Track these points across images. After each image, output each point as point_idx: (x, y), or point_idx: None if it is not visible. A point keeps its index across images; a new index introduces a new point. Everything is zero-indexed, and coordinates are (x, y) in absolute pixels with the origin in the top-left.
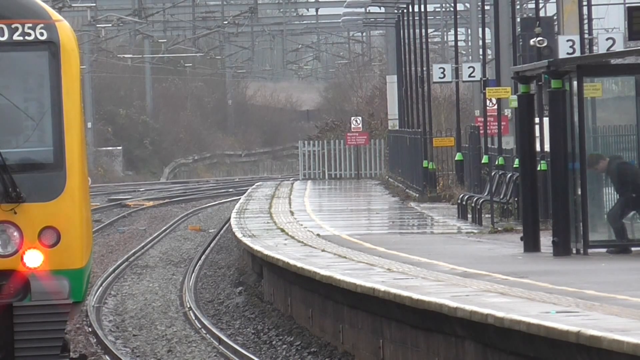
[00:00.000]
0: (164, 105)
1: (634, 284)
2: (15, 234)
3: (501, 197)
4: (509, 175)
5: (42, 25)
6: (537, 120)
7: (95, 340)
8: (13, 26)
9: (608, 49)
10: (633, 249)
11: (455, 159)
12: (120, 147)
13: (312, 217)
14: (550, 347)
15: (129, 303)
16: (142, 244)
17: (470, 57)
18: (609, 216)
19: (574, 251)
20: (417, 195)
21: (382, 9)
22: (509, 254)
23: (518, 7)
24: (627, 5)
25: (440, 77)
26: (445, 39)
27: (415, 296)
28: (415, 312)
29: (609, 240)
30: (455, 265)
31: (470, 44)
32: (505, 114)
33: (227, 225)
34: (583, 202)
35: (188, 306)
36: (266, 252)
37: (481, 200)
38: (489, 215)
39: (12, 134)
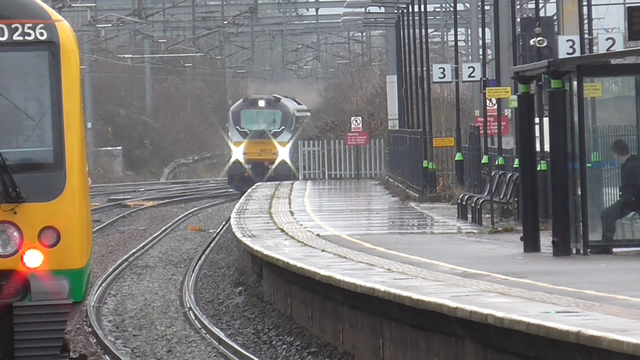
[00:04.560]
0: (164, 105)
1: (633, 284)
2: (15, 234)
3: (501, 197)
4: (509, 175)
5: (42, 25)
6: (537, 120)
7: (95, 340)
8: (13, 26)
9: (608, 49)
10: (633, 249)
11: (455, 159)
12: (120, 147)
13: (312, 217)
14: (550, 347)
15: (128, 303)
16: (142, 244)
17: (470, 57)
18: (606, 214)
19: (574, 251)
20: (417, 195)
21: (382, 9)
22: (508, 254)
23: (518, 7)
24: (627, 5)
25: (440, 77)
26: (445, 39)
27: (415, 296)
28: (415, 312)
29: (609, 240)
30: (455, 265)
31: (470, 44)
32: (505, 114)
33: (227, 225)
34: (583, 202)
35: (188, 306)
36: (266, 252)
37: (481, 201)
38: (489, 216)
39: (12, 134)
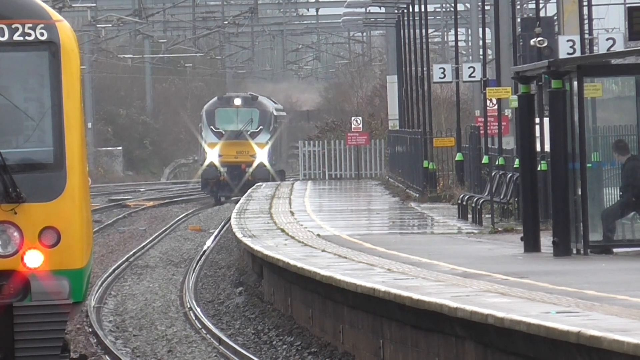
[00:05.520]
0: (164, 105)
1: (634, 284)
2: (16, 234)
3: (501, 197)
4: (509, 175)
5: (42, 25)
6: (537, 120)
7: (95, 340)
8: (13, 26)
9: (608, 49)
10: (633, 249)
11: (456, 159)
12: (120, 147)
13: (313, 217)
14: (551, 347)
15: (129, 303)
16: (142, 244)
17: (470, 57)
18: (607, 214)
19: (574, 251)
20: (418, 195)
21: (383, 9)
22: (509, 254)
23: (518, 7)
24: (627, 5)
25: (440, 77)
26: (446, 39)
27: (416, 296)
28: (415, 312)
29: (610, 240)
30: (455, 265)
31: (470, 44)
32: (506, 114)
33: (227, 225)
34: (583, 202)
35: (188, 306)
36: (266, 252)
37: (481, 201)
38: (489, 216)
39: (12, 134)
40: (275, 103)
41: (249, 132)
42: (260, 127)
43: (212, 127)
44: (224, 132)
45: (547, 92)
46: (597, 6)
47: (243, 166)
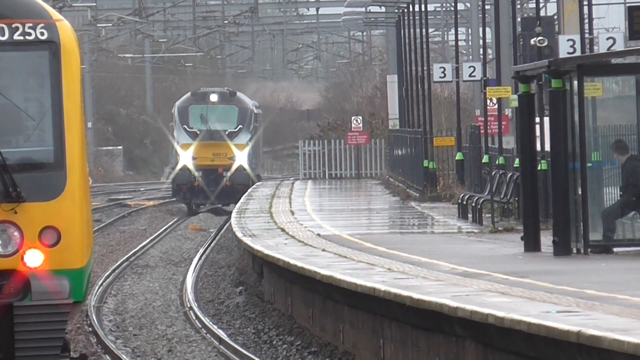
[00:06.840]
0: (165, 105)
1: (634, 283)
2: (16, 233)
3: (502, 196)
4: (510, 174)
5: (42, 25)
6: (537, 119)
7: (95, 340)
8: (13, 26)
9: (608, 49)
10: (633, 248)
11: (456, 158)
12: (120, 147)
13: (313, 216)
14: (551, 346)
15: (129, 303)
16: (143, 243)
17: (470, 57)
18: (607, 214)
19: (575, 251)
20: (418, 194)
21: (383, 9)
22: (509, 253)
23: (518, 6)
24: (627, 4)
25: (440, 77)
26: (446, 39)
27: (416, 296)
28: (415, 311)
29: (610, 240)
30: (455, 265)
31: (470, 43)
32: (506, 113)
33: (227, 224)
34: (583, 201)
35: (188, 306)
36: (266, 251)
37: (482, 200)
38: (490, 215)
39: (12, 134)
40: (252, 100)
41: (226, 132)
42: (240, 126)
43: (185, 126)
44: (198, 132)
45: (547, 91)
46: (597, 5)
47: (220, 170)
